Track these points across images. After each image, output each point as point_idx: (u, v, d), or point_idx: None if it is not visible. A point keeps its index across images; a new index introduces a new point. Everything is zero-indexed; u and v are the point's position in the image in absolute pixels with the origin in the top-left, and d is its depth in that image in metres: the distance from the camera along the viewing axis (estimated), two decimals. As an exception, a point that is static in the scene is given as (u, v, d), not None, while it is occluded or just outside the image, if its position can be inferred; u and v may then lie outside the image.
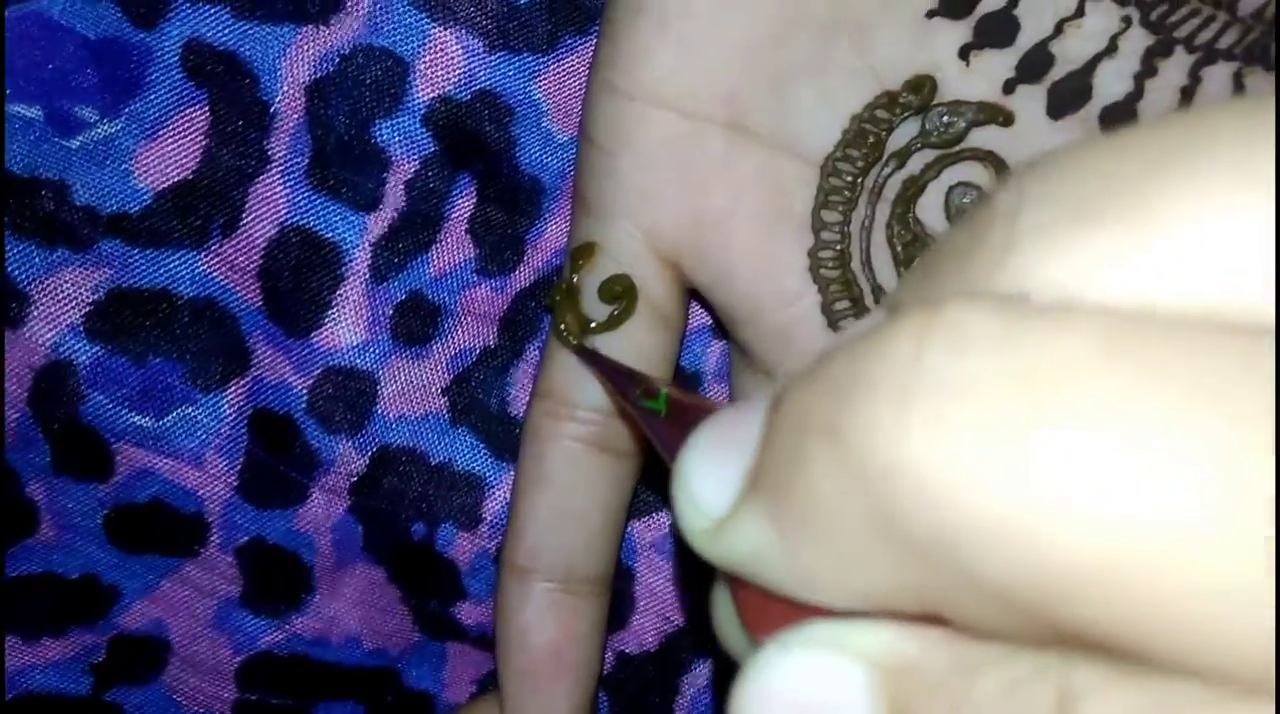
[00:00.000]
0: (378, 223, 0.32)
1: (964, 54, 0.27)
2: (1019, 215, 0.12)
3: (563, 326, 0.29)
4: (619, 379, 0.25)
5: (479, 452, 0.33)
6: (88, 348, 0.32)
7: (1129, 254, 0.11)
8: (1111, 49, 0.26)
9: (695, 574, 0.34)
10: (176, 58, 0.30)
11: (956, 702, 0.12)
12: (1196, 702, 0.10)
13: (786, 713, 0.13)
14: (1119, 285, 0.11)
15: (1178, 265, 0.11)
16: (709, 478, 0.14)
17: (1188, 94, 0.26)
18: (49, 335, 0.31)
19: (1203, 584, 0.10)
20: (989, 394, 0.11)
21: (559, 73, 0.31)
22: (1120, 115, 0.26)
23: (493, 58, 0.31)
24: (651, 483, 0.33)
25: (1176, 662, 0.10)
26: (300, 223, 0.31)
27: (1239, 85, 0.26)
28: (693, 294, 0.30)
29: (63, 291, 0.31)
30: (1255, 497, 0.10)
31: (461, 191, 0.32)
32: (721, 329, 0.31)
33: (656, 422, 0.20)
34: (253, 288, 0.32)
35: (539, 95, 0.31)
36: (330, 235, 0.32)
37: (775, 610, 0.14)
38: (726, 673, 0.32)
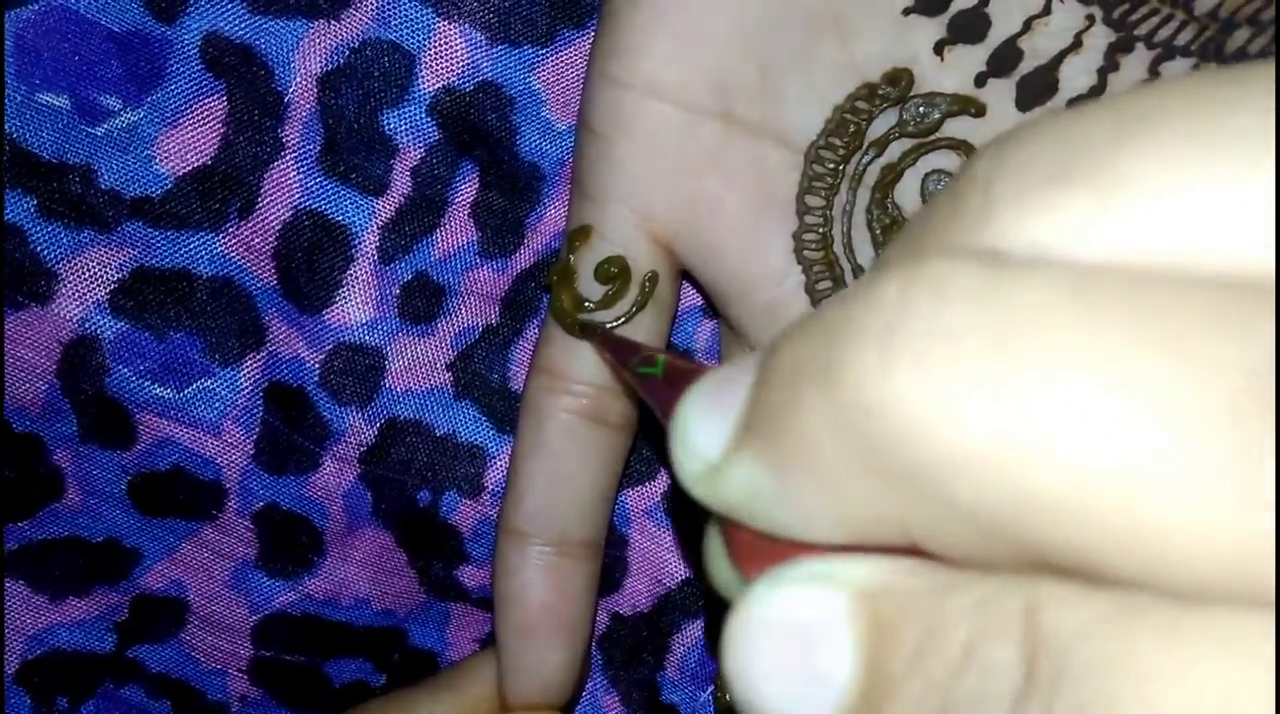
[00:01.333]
0: (385, 207, 0.32)
1: (939, 49, 0.27)
2: (995, 181, 0.13)
3: (560, 305, 0.30)
4: (618, 349, 0.26)
5: (481, 424, 0.34)
6: (112, 323, 0.33)
7: (1097, 214, 0.12)
8: (1076, 45, 0.27)
9: (691, 540, 0.35)
10: (196, 50, 0.31)
11: (931, 618, 0.12)
12: (1152, 608, 0.11)
13: (774, 639, 0.13)
14: (1089, 243, 0.12)
15: (1141, 223, 0.12)
16: (704, 426, 0.14)
17: (1148, 88, 0.27)
18: (76, 311, 0.32)
19: (1152, 511, 0.11)
20: (967, 337, 0.12)
21: (558, 64, 0.32)
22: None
23: (495, 50, 0.32)
24: (650, 445, 0.34)
25: (1133, 579, 0.11)
26: (312, 206, 0.32)
27: (1196, 80, 0.27)
28: (684, 275, 0.31)
29: (89, 270, 0.32)
30: (1204, 432, 0.10)
31: (464, 178, 0.33)
32: (712, 308, 0.32)
33: (655, 386, 0.21)
34: (268, 268, 0.33)
35: (538, 86, 0.32)
36: (341, 218, 0.32)
37: (766, 550, 0.14)
38: (716, 629, 0.33)
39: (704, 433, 0.15)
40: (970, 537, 0.12)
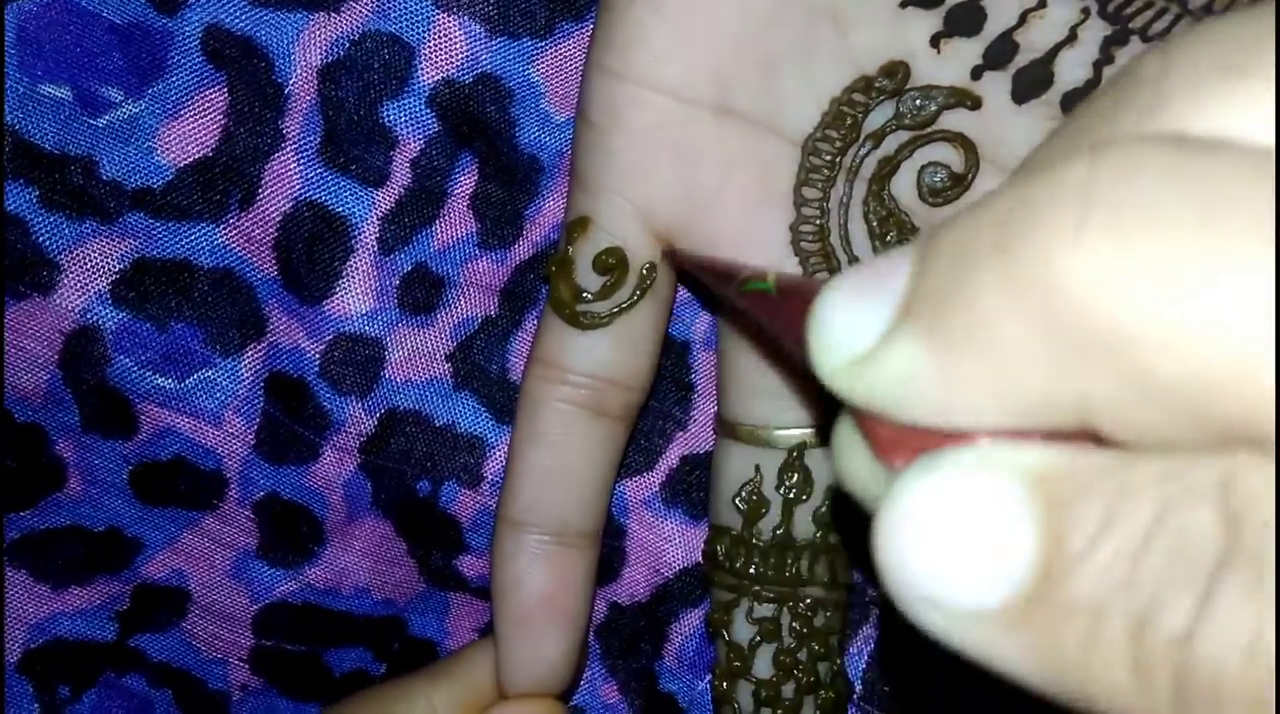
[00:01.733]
0: (385, 198, 0.33)
1: (935, 42, 0.28)
2: (1165, 75, 0.13)
3: (559, 296, 0.30)
4: (715, 272, 0.25)
5: (481, 415, 0.34)
6: (114, 314, 0.33)
7: (1272, 101, 0.12)
8: (1072, 38, 0.27)
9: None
10: (197, 42, 0.31)
11: (1113, 493, 0.12)
12: None
13: (940, 525, 0.13)
14: (1265, 128, 0.12)
15: None
16: (852, 316, 0.14)
17: (1143, 80, 0.27)
18: (78, 302, 0.33)
19: None
20: (1167, 212, 0.12)
21: (556, 57, 0.32)
22: (1080, 100, 0.27)
23: (494, 42, 0.32)
24: (644, 435, 0.34)
25: None
26: (313, 198, 0.32)
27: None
28: (681, 265, 0.31)
29: (91, 261, 0.32)
30: None
31: (464, 169, 0.33)
32: (708, 299, 0.32)
33: (766, 301, 0.20)
34: (268, 258, 0.33)
35: (537, 78, 0.32)
36: (341, 210, 0.32)
37: (913, 441, 0.14)
38: (710, 619, 0.34)
39: (852, 323, 0.14)
40: (1162, 412, 0.12)
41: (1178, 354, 0.12)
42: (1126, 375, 0.12)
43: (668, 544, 0.35)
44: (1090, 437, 0.13)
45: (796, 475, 0.31)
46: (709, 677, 0.35)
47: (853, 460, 0.16)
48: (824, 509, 0.31)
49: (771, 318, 0.20)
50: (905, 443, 0.15)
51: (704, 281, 0.29)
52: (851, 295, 0.15)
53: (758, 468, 0.31)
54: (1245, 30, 0.13)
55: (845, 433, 0.16)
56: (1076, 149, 0.13)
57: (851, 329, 0.14)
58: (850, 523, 0.31)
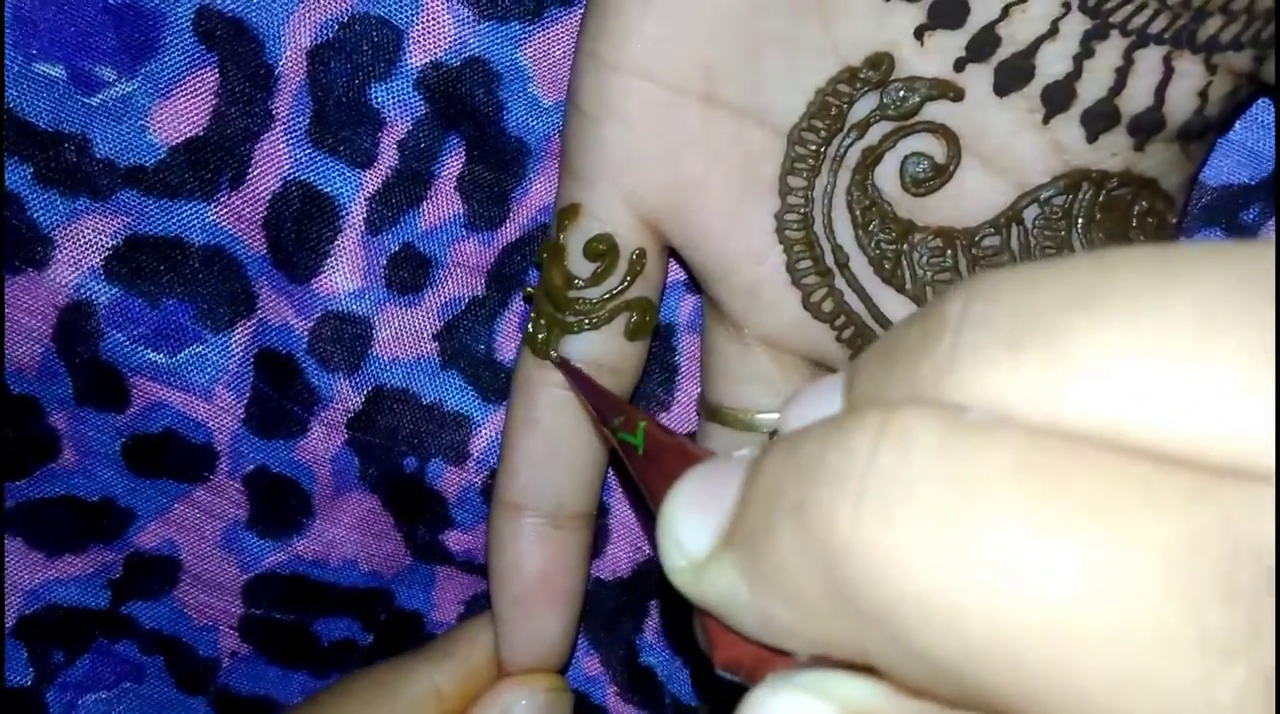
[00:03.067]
0: (373, 179, 0.33)
1: (919, 34, 0.28)
2: (961, 332, 0.14)
3: (551, 282, 0.30)
4: (596, 399, 0.27)
5: (467, 393, 0.35)
6: (107, 289, 0.33)
7: (1045, 380, 0.13)
8: (1053, 32, 0.27)
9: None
10: (189, 22, 0.31)
11: None
12: None
13: None
14: (1039, 405, 0.13)
15: (1084, 392, 0.13)
16: (690, 524, 0.16)
17: (1121, 74, 0.27)
18: (72, 277, 0.33)
19: (1086, 681, 0.12)
20: (927, 493, 0.13)
21: (545, 41, 0.32)
22: (1060, 93, 0.28)
23: (482, 26, 0.32)
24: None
25: None
26: (301, 177, 0.33)
27: (1168, 67, 0.27)
28: (670, 252, 0.31)
29: (84, 237, 0.33)
30: (1127, 594, 0.12)
31: (451, 151, 0.33)
32: (695, 284, 0.33)
33: (635, 458, 0.21)
34: (258, 237, 0.33)
35: (525, 62, 0.32)
36: (328, 190, 0.33)
37: (740, 645, 0.16)
38: (672, 614, 0.34)
39: (690, 531, 0.16)
40: (924, 676, 0.13)
41: (925, 626, 0.13)
42: (890, 641, 0.13)
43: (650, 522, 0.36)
44: None
45: (777, 458, 0.31)
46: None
47: (701, 642, 0.17)
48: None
49: (637, 473, 0.21)
50: (733, 646, 0.16)
51: (584, 407, 0.30)
52: (692, 501, 0.16)
53: (739, 451, 0.32)
54: (1032, 294, 0.14)
55: (697, 619, 0.17)
56: (886, 392, 0.15)
57: (690, 534, 0.16)
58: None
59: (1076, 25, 0.27)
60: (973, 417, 0.13)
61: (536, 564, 0.31)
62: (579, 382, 0.30)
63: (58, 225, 0.33)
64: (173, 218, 0.33)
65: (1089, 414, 0.13)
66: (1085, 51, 0.27)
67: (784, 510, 0.14)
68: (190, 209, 0.33)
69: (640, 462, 0.21)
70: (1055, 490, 0.12)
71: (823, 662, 0.15)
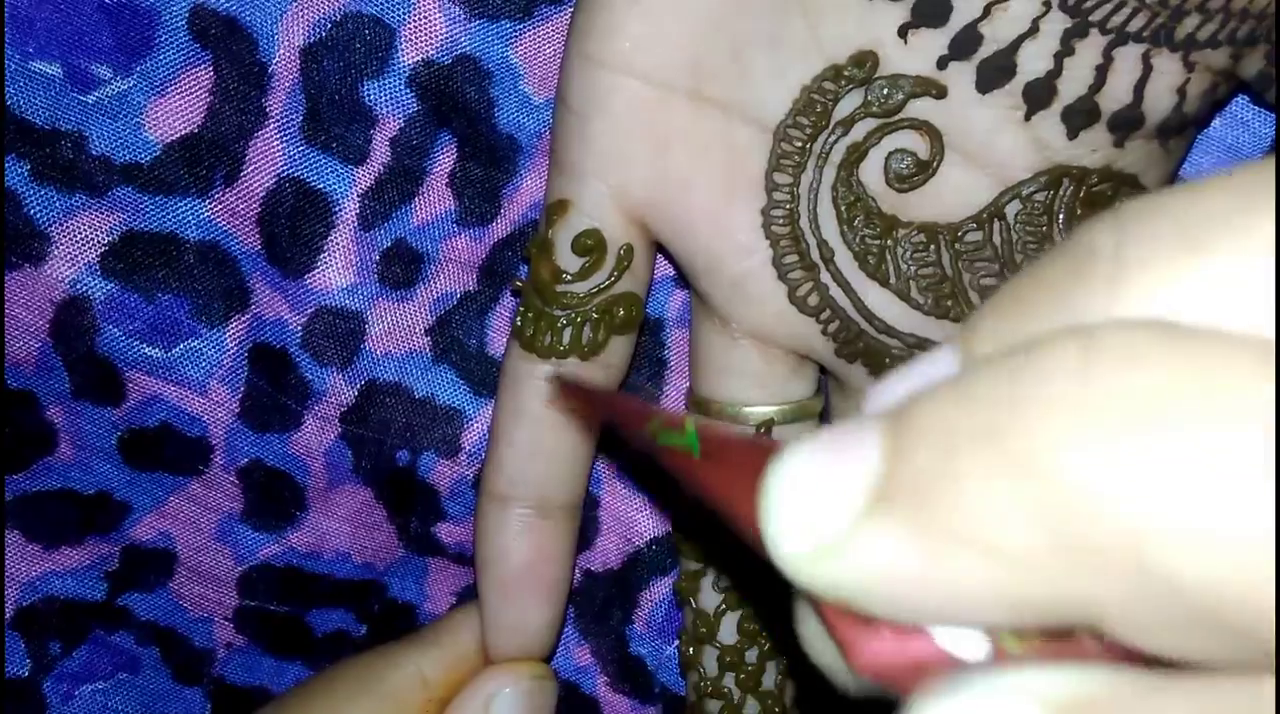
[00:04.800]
0: (365, 175, 0.33)
1: (903, 32, 0.28)
2: (1124, 249, 0.12)
3: (540, 277, 0.31)
4: (624, 412, 0.22)
5: (459, 387, 0.35)
6: (103, 285, 0.34)
7: (1239, 278, 0.12)
8: (1033, 30, 0.27)
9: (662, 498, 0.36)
10: (183, 21, 0.32)
11: None
12: None
13: None
14: (1231, 307, 0.12)
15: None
16: (817, 499, 0.13)
17: (1101, 72, 0.28)
18: (68, 272, 0.33)
19: None
20: (1170, 406, 0.11)
21: (535, 39, 0.32)
22: (1041, 90, 0.28)
23: (473, 24, 0.32)
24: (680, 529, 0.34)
25: None
26: (295, 174, 0.33)
27: (1147, 64, 0.27)
28: (658, 247, 0.32)
29: (80, 233, 0.33)
30: None
31: (442, 148, 0.33)
32: (683, 279, 0.33)
33: (689, 462, 0.18)
34: (252, 233, 0.34)
35: (516, 60, 0.33)
36: (322, 186, 0.33)
37: (881, 640, 0.13)
38: (680, 586, 0.35)
39: (817, 507, 0.13)
40: (1179, 624, 0.11)
41: (1193, 560, 0.11)
42: (1139, 581, 0.11)
43: (639, 514, 0.36)
44: (1099, 637, 0.12)
45: (764, 451, 0.32)
46: (676, 641, 0.36)
47: (823, 654, 0.15)
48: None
49: (694, 478, 0.17)
50: (879, 644, 0.13)
51: (606, 423, 0.27)
52: (813, 473, 0.13)
53: (727, 444, 0.32)
54: (1201, 203, 0.12)
55: (810, 622, 0.15)
56: (1032, 332, 0.13)
57: (814, 512, 0.13)
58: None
59: (1057, 24, 0.27)
60: (1188, 327, 0.12)
61: (523, 554, 0.32)
62: (586, 396, 0.28)
63: (54, 221, 0.33)
64: (168, 214, 0.33)
65: None
66: (1066, 49, 0.28)
67: (970, 449, 0.12)
68: (185, 205, 0.33)
69: (697, 465, 0.17)
70: None
71: (1001, 657, 0.13)
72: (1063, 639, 0.12)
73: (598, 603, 0.37)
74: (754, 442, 0.16)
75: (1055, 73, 0.28)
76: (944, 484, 0.12)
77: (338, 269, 0.34)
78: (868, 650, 0.13)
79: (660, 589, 0.36)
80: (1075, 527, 0.11)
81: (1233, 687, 0.11)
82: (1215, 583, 0.11)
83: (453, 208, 0.34)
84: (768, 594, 0.32)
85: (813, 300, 0.30)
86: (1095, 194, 0.29)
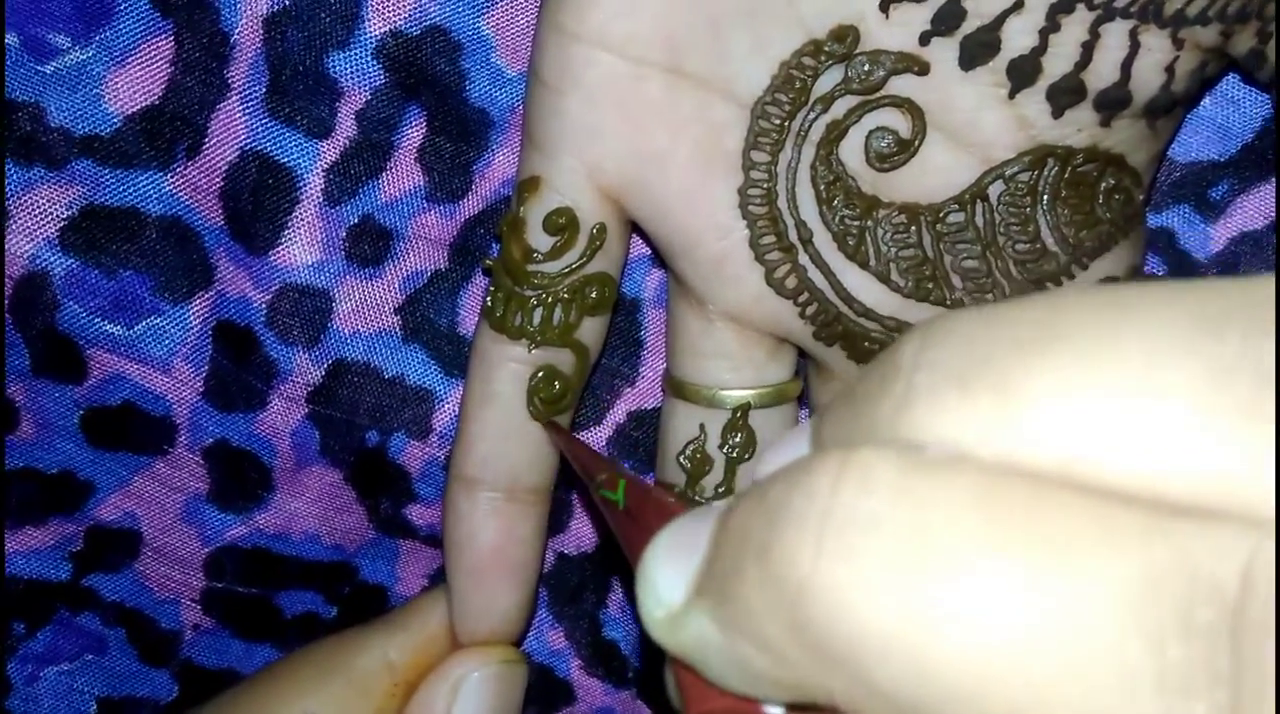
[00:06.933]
0: (330, 149, 0.33)
1: (884, 7, 0.27)
2: (915, 373, 0.14)
3: (510, 256, 0.30)
4: (582, 459, 0.27)
5: (430, 367, 0.35)
6: (62, 260, 0.33)
7: (997, 420, 0.13)
8: (1019, 5, 0.27)
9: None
10: (143, -12, 0.31)
11: None
12: None
13: None
14: (991, 444, 0.13)
15: (1035, 429, 0.13)
16: (667, 576, 0.16)
17: (1087, 49, 0.27)
18: (26, 247, 0.33)
19: (1048, 706, 0.12)
20: (885, 530, 0.13)
21: (508, 9, 0.32)
22: (1026, 67, 0.27)
23: (443, -6, 0.31)
24: (594, 393, 0.35)
25: None
26: (257, 148, 0.32)
27: (1134, 42, 0.27)
28: (632, 226, 0.31)
29: (39, 207, 0.33)
30: (1087, 633, 0.12)
31: (411, 122, 0.33)
32: (659, 259, 0.33)
33: (616, 514, 0.22)
34: (215, 208, 0.33)
35: (488, 31, 0.32)
36: (285, 160, 0.33)
37: (713, 698, 0.16)
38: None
39: (666, 582, 0.16)
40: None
41: (888, 663, 0.13)
42: (854, 682, 0.13)
43: (614, 498, 0.36)
44: None
45: (740, 435, 0.32)
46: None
47: (675, 701, 0.18)
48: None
49: (618, 528, 0.21)
50: (706, 699, 0.16)
51: (569, 465, 0.30)
52: (667, 553, 0.16)
53: (702, 427, 0.32)
54: (984, 334, 0.14)
55: (669, 672, 0.18)
56: (842, 436, 0.15)
57: (666, 585, 0.16)
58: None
59: (1042, -1, 0.27)
60: (929, 454, 0.13)
61: (491, 537, 0.31)
62: (564, 440, 0.30)
63: (12, 195, 0.32)
64: (129, 188, 0.33)
65: (1041, 452, 0.13)
66: (1051, 25, 0.27)
67: (750, 554, 0.14)
68: (146, 179, 0.33)
69: (621, 517, 0.22)
70: (1011, 528, 0.13)
71: (795, 711, 0.15)
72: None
73: (571, 587, 0.36)
74: (663, 507, 0.20)
75: (1040, 49, 0.27)
76: (733, 583, 0.15)
77: (303, 245, 0.33)
78: (697, 701, 0.16)
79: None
80: (809, 631, 0.13)
81: None
82: (915, 693, 0.13)
83: (422, 183, 0.33)
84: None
85: (790, 282, 0.30)
86: (1080, 174, 0.29)
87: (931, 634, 0.13)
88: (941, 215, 0.29)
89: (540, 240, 0.30)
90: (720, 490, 0.32)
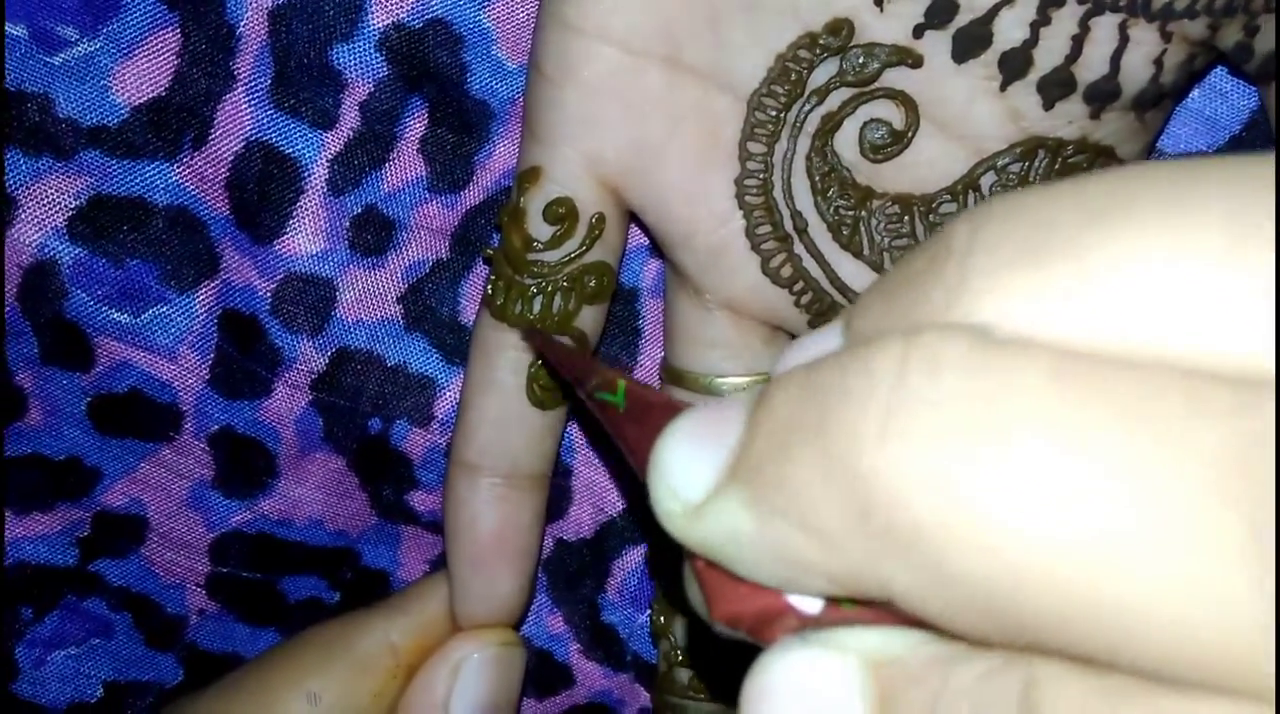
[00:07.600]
0: (334, 140, 0.33)
1: (879, 1, 0.28)
2: (971, 255, 0.13)
3: (511, 245, 0.31)
4: (570, 365, 0.25)
5: (431, 355, 0.35)
6: (70, 249, 0.33)
7: (1071, 294, 0.13)
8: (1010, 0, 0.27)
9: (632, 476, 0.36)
10: (150, -18, 0.31)
11: (935, 690, 0.13)
12: (1138, 692, 0.12)
13: (789, 702, 0.14)
14: (1063, 321, 0.13)
15: (1114, 305, 0.12)
16: (687, 465, 0.15)
17: (1078, 42, 0.27)
18: (35, 236, 0.33)
19: (1126, 591, 0.11)
20: (960, 413, 0.12)
21: (509, 2, 0.32)
22: (1017, 60, 0.28)
23: (445, -13, 0.32)
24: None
25: (1111, 660, 0.12)
26: (263, 138, 0.33)
27: (1124, 35, 0.27)
28: (631, 216, 0.31)
29: (47, 197, 0.33)
30: (1175, 503, 0.11)
31: (413, 113, 0.33)
32: (657, 249, 0.33)
33: (615, 417, 0.20)
34: (221, 198, 0.33)
35: (489, 24, 0.32)
36: (290, 151, 0.33)
37: (740, 598, 0.15)
38: (655, 557, 0.35)
39: (687, 473, 0.15)
40: (950, 604, 0.13)
41: (964, 554, 0.12)
42: (922, 569, 0.13)
43: (612, 483, 0.36)
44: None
45: (736, 422, 0.32)
46: (648, 610, 0.36)
47: (695, 601, 0.17)
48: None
49: (617, 432, 0.20)
50: (732, 599, 0.15)
51: (560, 375, 0.29)
52: (688, 442, 0.15)
53: (700, 415, 0.32)
54: (1048, 210, 0.13)
55: (688, 574, 0.17)
56: (894, 324, 0.14)
57: (686, 477, 0.15)
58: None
59: (1033, -8, 0.27)
60: (998, 334, 0.13)
61: (491, 523, 0.32)
62: (547, 347, 0.29)
63: (21, 185, 0.33)
64: (136, 178, 0.33)
65: (1120, 328, 0.12)
66: (1042, 19, 0.27)
67: (802, 436, 0.13)
68: (153, 169, 0.33)
69: (621, 420, 0.20)
70: (1094, 402, 0.12)
71: (833, 612, 0.14)
72: (882, 605, 0.14)
73: (570, 572, 0.37)
74: (669, 404, 0.18)
75: (1031, 42, 0.28)
76: (778, 465, 0.14)
77: (307, 235, 0.34)
78: (723, 601, 0.15)
79: (633, 558, 0.37)
80: (870, 515, 0.13)
81: (1004, 665, 0.13)
82: (988, 581, 0.12)
83: (424, 174, 0.34)
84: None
85: (786, 272, 0.30)
86: (1071, 166, 0.29)
87: (1012, 515, 0.12)
88: (934, 205, 0.30)
89: (540, 230, 0.30)
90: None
